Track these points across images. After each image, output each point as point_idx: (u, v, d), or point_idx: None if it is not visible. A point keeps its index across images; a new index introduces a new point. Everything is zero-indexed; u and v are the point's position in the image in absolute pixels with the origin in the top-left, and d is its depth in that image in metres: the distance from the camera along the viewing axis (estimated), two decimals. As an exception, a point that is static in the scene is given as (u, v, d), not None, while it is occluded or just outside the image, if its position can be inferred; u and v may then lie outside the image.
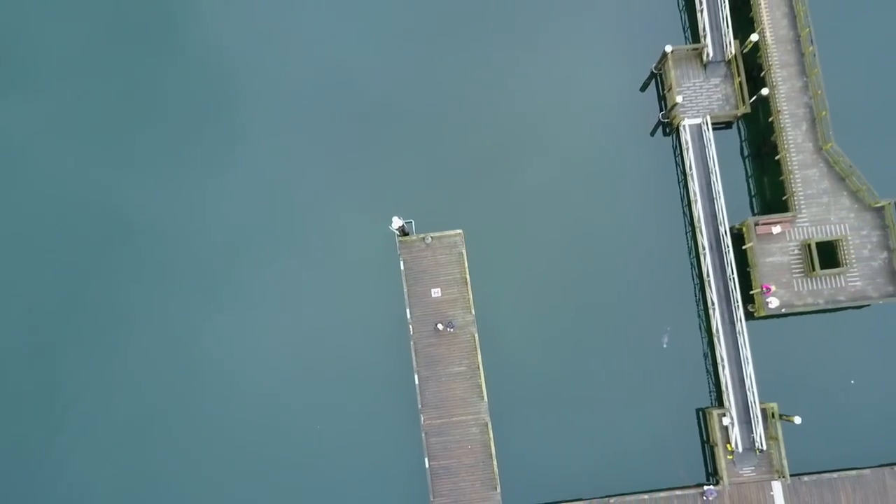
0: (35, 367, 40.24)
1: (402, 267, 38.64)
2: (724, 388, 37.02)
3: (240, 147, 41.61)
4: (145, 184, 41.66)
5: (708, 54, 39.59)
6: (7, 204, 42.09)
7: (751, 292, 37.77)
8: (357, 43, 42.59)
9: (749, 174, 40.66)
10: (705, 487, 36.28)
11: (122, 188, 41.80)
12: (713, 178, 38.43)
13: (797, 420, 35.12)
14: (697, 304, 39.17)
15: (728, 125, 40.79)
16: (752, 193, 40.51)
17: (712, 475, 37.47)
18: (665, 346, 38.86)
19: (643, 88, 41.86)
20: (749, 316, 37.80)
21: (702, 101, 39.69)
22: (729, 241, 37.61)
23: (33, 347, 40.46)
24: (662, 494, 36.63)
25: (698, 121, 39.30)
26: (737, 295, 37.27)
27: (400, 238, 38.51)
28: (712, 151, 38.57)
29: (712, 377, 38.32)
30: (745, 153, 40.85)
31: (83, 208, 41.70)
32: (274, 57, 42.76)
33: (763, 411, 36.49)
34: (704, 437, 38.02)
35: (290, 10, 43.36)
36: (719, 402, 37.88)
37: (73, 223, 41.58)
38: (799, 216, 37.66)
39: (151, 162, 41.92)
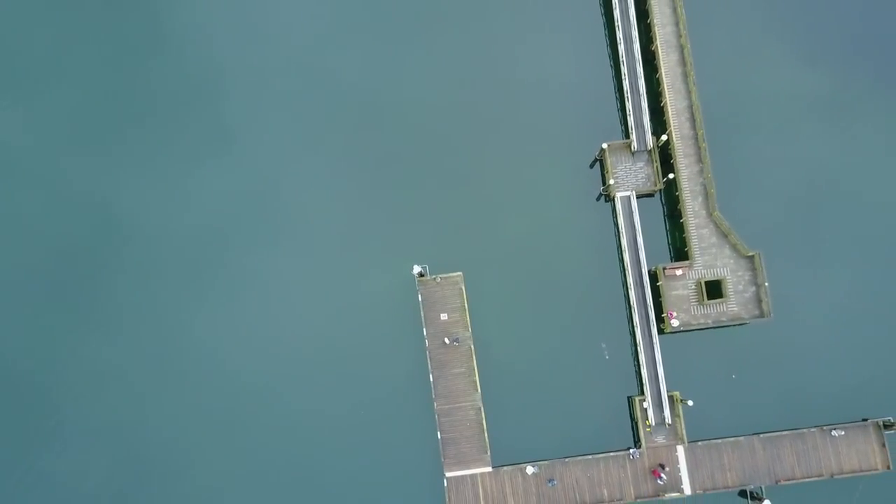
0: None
1: (419, 298, 54.83)
2: (644, 381, 53.31)
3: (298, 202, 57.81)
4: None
5: (634, 146, 55.90)
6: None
7: (662, 315, 54.09)
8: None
9: (667, 230, 57.01)
10: (631, 450, 52.52)
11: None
12: (637, 235, 54.72)
13: (690, 403, 51.56)
14: (628, 323, 55.41)
15: (651, 195, 57.07)
16: (669, 243, 56.82)
17: (636, 442, 53.71)
18: (607, 357, 55.03)
19: (591, 166, 58.13)
20: (661, 332, 54.11)
21: (630, 179, 55.97)
22: (647, 279, 53.98)
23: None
24: (602, 455, 52.91)
25: (628, 194, 55.55)
26: (652, 317, 53.63)
27: (418, 279, 54.79)
28: (637, 216, 54.89)
29: (637, 375, 54.63)
30: (665, 215, 57.25)
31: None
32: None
33: (670, 398, 52.81)
34: (631, 416, 54.26)
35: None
36: (641, 391, 54.08)
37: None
38: (695, 262, 53.99)
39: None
